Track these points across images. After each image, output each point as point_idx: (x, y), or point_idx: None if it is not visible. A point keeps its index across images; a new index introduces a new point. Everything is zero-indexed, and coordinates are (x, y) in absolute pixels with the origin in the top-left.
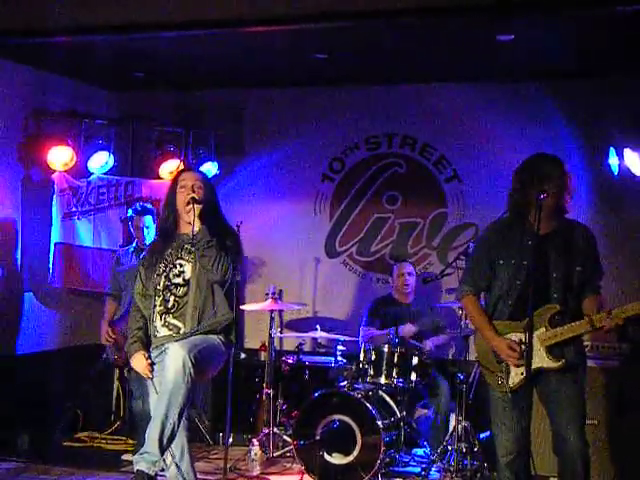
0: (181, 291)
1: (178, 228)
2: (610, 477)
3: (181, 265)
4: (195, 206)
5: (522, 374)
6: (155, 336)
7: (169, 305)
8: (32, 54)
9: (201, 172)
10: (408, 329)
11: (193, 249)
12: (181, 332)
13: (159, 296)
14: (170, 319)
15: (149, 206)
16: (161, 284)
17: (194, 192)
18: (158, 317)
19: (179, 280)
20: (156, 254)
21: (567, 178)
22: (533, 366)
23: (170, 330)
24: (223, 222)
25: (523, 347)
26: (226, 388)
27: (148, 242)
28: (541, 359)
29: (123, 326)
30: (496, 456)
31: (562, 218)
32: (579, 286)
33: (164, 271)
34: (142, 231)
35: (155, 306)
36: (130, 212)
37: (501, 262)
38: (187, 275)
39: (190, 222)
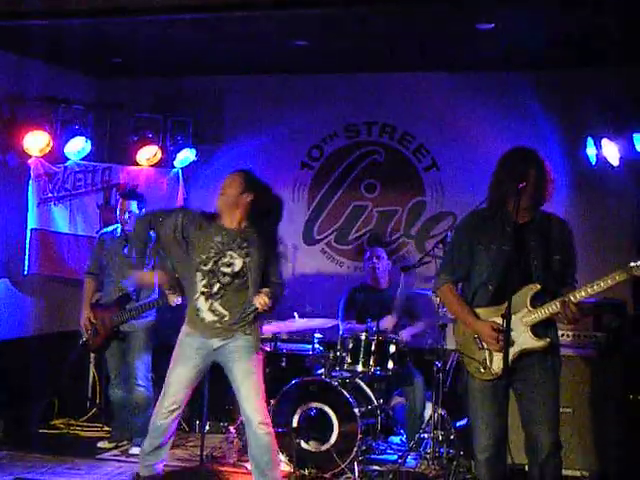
0: (226, 280)
1: (221, 219)
2: (586, 465)
3: (232, 257)
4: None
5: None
6: (202, 320)
7: (214, 290)
8: (8, 38)
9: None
10: (388, 322)
11: (245, 244)
12: (225, 320)
13: (203, 277)
14: (216, 305)
15: (137, 191)
16: (208, 266)
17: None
18: (202, 298)
19: (227, 270)
20: (203, 234)
21: (545, 170)
22: (518, 348)
23: (216, 316)
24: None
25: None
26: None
27: (131, 228)
28: (525, 340)
29: (103, 311)
30: (473, 450)
31: (539, 210)
32: (559, 272)
33: (214, 255)
34: (125, 215)
35: (196, 283)
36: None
37: (481, 247)
38: (236, 268)
39: (236, 219)
